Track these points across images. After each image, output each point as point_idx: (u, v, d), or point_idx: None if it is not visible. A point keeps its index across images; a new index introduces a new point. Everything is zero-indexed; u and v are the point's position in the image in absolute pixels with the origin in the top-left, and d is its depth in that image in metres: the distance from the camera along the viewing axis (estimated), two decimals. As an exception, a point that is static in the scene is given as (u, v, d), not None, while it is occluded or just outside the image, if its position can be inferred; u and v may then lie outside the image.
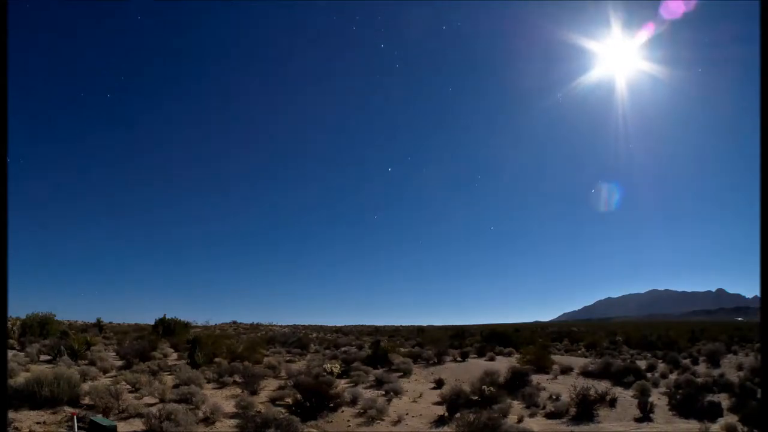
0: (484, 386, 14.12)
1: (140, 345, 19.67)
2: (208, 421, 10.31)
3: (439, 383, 16.39)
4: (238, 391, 13.73)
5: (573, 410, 12.98)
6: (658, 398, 14.69)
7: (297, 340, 29.81)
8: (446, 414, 12.39)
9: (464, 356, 23.44)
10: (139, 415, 9.90)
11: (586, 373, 19.14)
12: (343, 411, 12.14)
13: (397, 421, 11.58)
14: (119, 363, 17.11)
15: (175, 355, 20.69)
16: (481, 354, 24.76)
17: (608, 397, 14.01)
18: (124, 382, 13.16)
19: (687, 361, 23.70)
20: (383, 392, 14.56)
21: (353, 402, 12.79)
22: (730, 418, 12.10)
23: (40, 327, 24.75)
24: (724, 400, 14.15)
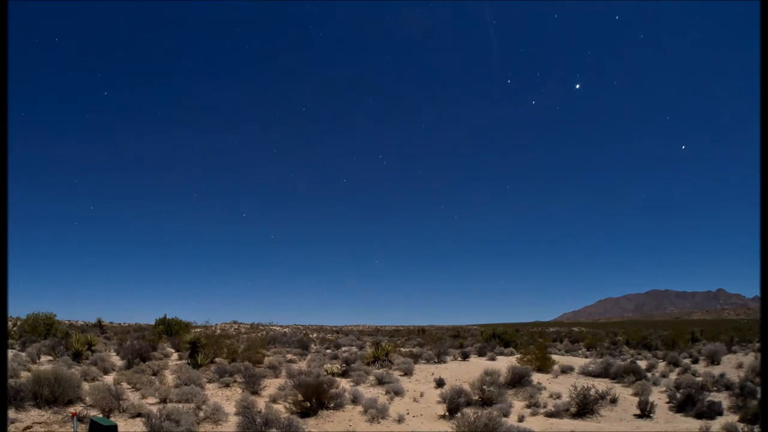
0: (484, 386, 14.14)
1: (141, 345, 19.67)
2: (209, 420, 10.33)
3: (440, 383, 16.40)
4: (239, 391, 13.75)
5: (573, 409, 13.00)
6: (658, 397, 14.71)
7: (298, 340, 29.85)
8: (447, 413, 12.41)
9: (465, 356, 23.46)
10: (140, 415, 9.93)
11: (586, 373, 19.17)
12: (344, 410, 12.16)
13: (399, 421, 11.59)
14: (120, 363, 17.14)
15: (175, 356, 20.70)
16: (481, 354, 24.79)
17: (609, 397, 14.03)
18: (125, 382, 13.19)
19: (687, 361, 23.72)
20: (384, 392, 14.58)
21: (354, 402, 12.80)
22: (730, 418, 12.12)
23: (45, 328, 24.79)
24: (724, 399, 14.17)
